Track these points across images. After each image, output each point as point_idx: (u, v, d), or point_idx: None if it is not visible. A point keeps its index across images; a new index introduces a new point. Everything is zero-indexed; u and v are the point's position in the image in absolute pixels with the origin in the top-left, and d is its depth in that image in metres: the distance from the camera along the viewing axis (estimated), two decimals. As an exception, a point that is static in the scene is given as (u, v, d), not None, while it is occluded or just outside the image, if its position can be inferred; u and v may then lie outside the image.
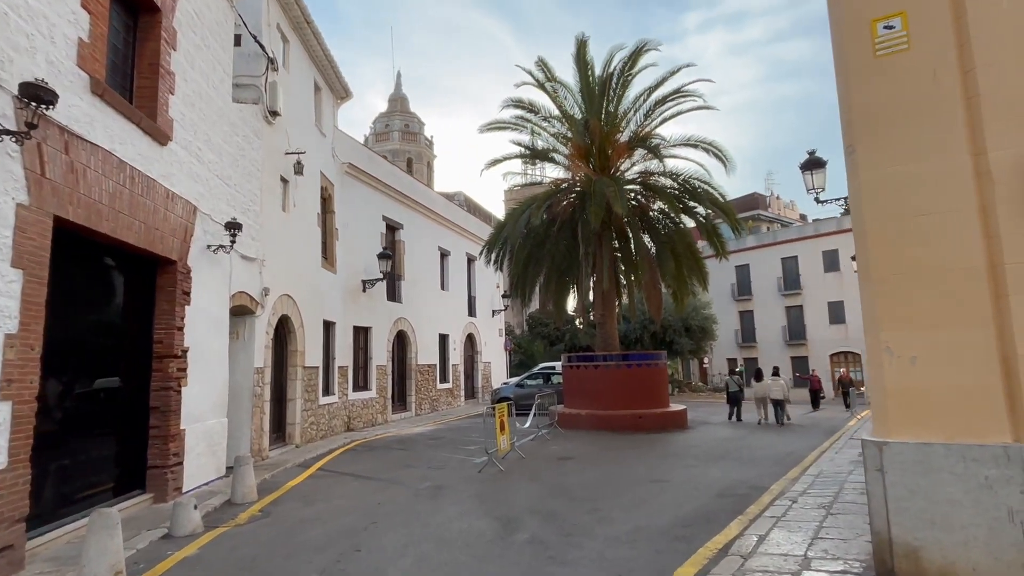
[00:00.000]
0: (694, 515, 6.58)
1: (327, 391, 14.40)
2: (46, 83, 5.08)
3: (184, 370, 7.93)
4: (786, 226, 48.37)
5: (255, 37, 11.03)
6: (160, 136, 7.39)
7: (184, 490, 7.77)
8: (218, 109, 9.18)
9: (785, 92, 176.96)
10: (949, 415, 4.00)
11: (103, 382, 7.00)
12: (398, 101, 53.12)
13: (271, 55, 11.41)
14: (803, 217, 54.40)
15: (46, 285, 5.45)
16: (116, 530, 4.82)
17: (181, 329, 7.90)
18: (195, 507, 6.47)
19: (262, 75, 11.19)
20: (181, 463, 7.77)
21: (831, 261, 37.52)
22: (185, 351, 7.98)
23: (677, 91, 16.19)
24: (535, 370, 22.58)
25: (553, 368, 21.27)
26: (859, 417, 18.13)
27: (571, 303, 20.22)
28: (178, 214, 7.87)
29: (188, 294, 8.10)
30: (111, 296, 7.27)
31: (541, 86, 17.12)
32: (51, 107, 5.13)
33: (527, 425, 13.39)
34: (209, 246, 8.71)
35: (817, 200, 10.28)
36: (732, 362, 40.22)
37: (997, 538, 3.78)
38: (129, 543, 5.73)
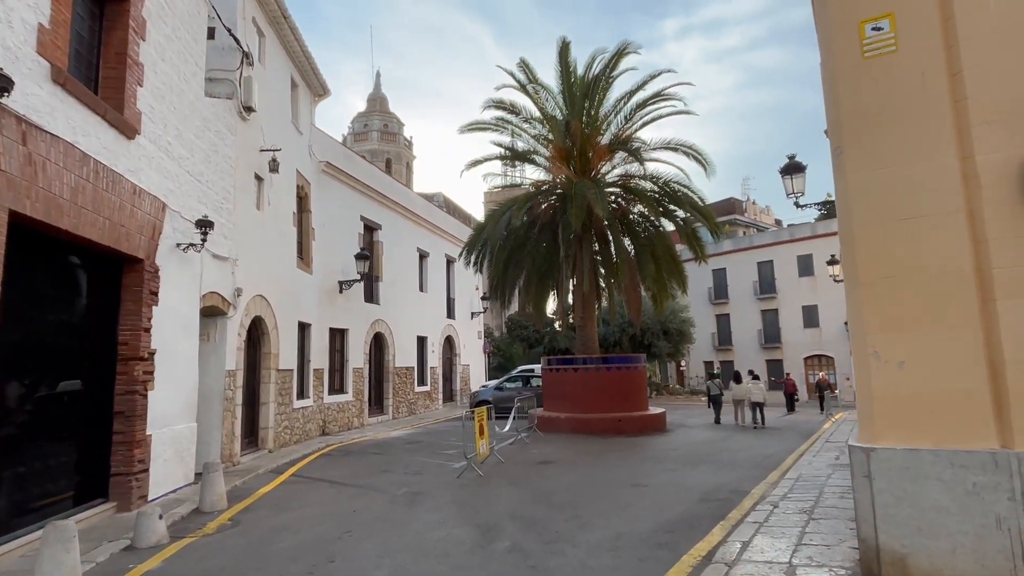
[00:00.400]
0: (676, 520, 6.50)
1: (302, 394, 14.07)
2: (0, 69, 4.79)
3: (151, 373, 7.62)
4: (762, 231, 49.03)
5: (230, 30, 10.71)
6: (127, 129, 7.09)
7: (149, 498, 7.45)
8: (190, 103, 8.88)
9: (761, 99, 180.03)
10: (936, 420, 3.96)
11: (64, 385, 6.67)
12: (377, 101, 52.66)
13: (246, 49, 11.09)
14: (778, 222, 55.23)
15: (0, 284, 5.15)
16: (72, 543, 4.55)
17: (148, 330, 7.59)
18: (160, 516, 6.18)
19: (236, 69, 10.85)
20: (146, 470, 7.45)
21: (805, 266, 38.11)
22: (152, 353, 7.67)
23: (657, 94, 16.22)
24: (514, 373, 22.46)
25: (532, 371, 21.17)
26: (833, 420, 18.35)
27: (551, 306, 20.15)
28: (146, 211, 7.57)
29: (156, 294, 7.79)
30: (73, 295, 6.93)
31: (523, 88, 17.03)
32: (6, 94, 4.85)
33: (507, 429, 13.24)
34: (179, 244, 8.41)
35: (797, 204, 10.32)
36: (709, 365, 40.60)
37: (984, 546, 3.74)
38: (88, 556, 5.44)
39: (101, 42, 7.07)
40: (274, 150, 12.09)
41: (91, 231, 6.44)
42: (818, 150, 45.52)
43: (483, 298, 26.57)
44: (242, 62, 11.01)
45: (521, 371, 22.18)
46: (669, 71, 16.12)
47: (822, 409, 21.77)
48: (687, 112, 16.35)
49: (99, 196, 6.57)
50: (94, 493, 6.98)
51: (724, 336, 41.54)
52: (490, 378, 27.63)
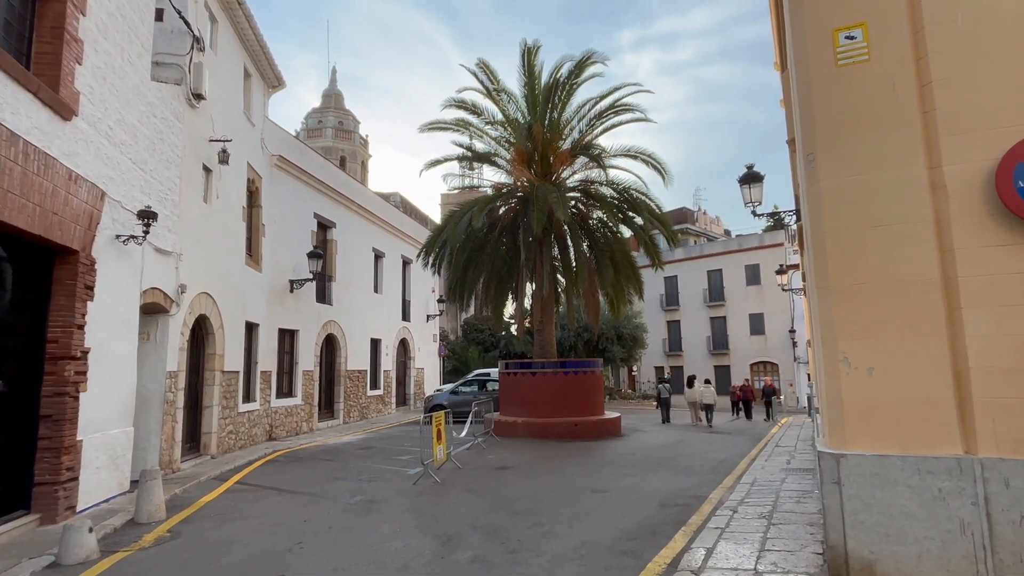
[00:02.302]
0: (638, 527, 6.43)
1: (248, 397, 13.45)
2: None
3: (83, 373, 7.05)
4: (712, 240, 50.37)
5: (180, 13, 10.13)
6: (63, 109, 6.55)
7: (79, 509, 6.89)
8: (134, 86, 8.33)
9: (712, 112, 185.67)
10: (904, 426, 4.00)
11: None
12: (332, 97, 51.43)
13: (197, 34, 10.52)
14: (727, 232, 56.83)
15: (-90, 272, 4.62)
16: (-12, 563, 4.09)
17: (82, 327, 7.03)
18: (90, 529, 5.69)
19: (186, 54, 10.28)
20: (76, 478, 6.88)
21: (753, 275, 39.38)
22: (85, 352, 7.10)
23: (618, 102, 16.35)
24: (470, 377, 22.22)
25: (488, 375, 20.98)
26: (780, 424, 18.90)
27: (509, 309, 20.07)
28: (82, 198, 7.02)
29: (91, 288, 7.23)
30: (-4, 288, 6.35)
31: (486, 89, 16.90)
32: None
33: (463, 434, 13.02)
34: (118, 236, 7.85)
35: (754, 213, 10.53)
36: (659, 370, 41.39)
37: (949, 551, 3.78)
38: (5, 575, 4.94)
39: (35, 13, 6.52)
40: (224, 141, 11.53)
41: (18, 218, 5.90)
42: (765, 163, 47.27)
43: (439, 301, 26.22)
44: (192, 47, 10.44)
45: (477, 375, 21.95)
46: (635, 84, 16.40)
47: (768, 415, 22.41)
48: (647, 120, 16.59)
49: (29, 180, 6.03)
50: (14, 504, 6.38)
51: (675, 342, 42.43)
52: (445, 382, 27.26)
